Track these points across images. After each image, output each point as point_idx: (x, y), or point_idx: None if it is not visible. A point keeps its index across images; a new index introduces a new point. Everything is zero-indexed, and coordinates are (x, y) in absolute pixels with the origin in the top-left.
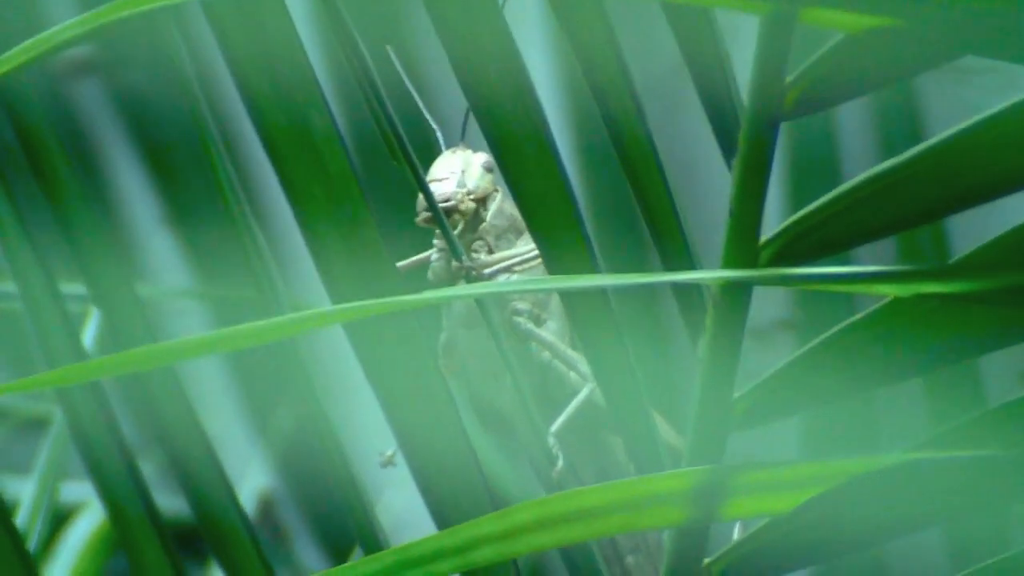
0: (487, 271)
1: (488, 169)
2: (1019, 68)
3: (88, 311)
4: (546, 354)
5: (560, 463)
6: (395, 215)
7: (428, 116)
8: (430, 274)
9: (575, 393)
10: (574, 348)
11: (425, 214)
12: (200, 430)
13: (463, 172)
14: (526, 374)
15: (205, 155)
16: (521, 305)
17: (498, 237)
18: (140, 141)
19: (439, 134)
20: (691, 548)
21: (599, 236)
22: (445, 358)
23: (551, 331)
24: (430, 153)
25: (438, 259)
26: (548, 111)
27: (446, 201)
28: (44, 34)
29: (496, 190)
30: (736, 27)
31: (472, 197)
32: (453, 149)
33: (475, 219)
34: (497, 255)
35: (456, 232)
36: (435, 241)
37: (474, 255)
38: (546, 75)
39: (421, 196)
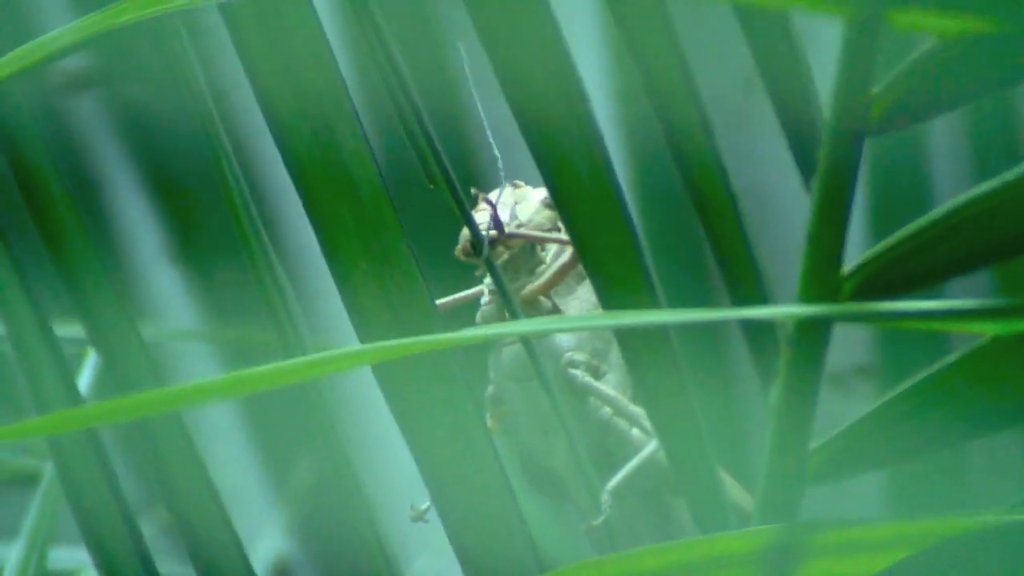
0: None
1: (548, 206)
2: None
3: (85, 354)
4: (606, 410)
5: (603, 517)
6: (435, 246)
7: (492, 141)
8: (479, 318)
9: (638, 452)
10: (636, 403)
11: (465, 243)
12: (210, 487)
13: (516, 204)
14: (582, 431)
15: (218, 179)
16: (578, 356)
17: None
18: (145, 163)
19: (500, 163)
20: None
21: (659, 269)
22: (492, 413)
23: (611, 384)
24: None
25: (488, 302)
26: (602, 126)
27: (492, 229)
28: (37, 40)
29: (558, 229)
30: (816, 32)
31: (524, 230)
32: (513, 183)
33: (532, 259)
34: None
35: (500, 262)
36: (485, 282)
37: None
38: (600, 85)
39: (465, 229)
